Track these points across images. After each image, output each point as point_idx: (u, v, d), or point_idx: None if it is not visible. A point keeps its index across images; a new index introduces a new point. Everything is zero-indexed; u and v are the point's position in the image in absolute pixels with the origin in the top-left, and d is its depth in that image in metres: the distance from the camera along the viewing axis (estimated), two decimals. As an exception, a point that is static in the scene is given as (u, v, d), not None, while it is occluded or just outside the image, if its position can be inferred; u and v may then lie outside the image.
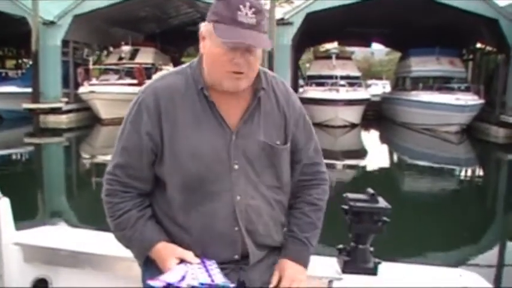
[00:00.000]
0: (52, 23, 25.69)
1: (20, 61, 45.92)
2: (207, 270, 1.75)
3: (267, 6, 25.52)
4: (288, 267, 1.92)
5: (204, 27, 1.81)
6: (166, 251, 1.82)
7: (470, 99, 23.45)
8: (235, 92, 1.81)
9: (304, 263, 1.97)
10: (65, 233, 2.89)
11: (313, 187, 2.03)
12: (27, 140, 22.12)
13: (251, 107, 1.86)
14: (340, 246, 2.36)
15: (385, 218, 2.23)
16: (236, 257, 1.85)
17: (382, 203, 2.25)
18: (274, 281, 1.90)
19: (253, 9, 1.71)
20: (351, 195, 2.28)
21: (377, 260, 2.29)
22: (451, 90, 25.58)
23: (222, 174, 1.80)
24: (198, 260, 1.79)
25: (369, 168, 17.18)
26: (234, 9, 1.70)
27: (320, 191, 2.04)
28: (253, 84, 1.86)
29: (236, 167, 1.82)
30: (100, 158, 17.07)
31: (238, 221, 1.81)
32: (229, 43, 1.71)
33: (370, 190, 2.27)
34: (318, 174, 2.05)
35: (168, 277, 1.70)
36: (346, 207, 2.27)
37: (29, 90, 25.27)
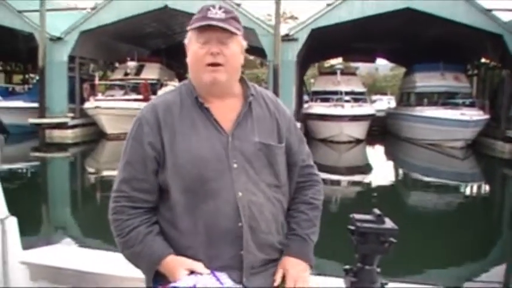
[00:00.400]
0: (59, 38, 25.93)
1: (26, 76, 46.21)
2: (218, 279, 1.77)
3: (272, 22, 25.69)
4: (291, 266, 1.96)
5: (186, 38, 1.99)
6: (175, 263, 1.84)
7: (475, 115, 23.39)
8: (218, 88, 1.95)
9: (307, 259, 2.02)
10: (71, 252, 2.90)
11: (307, 188, 2.12)
12: (33, 154, 22.25)
13: (243, 111, 1.97)
14: (347, 266, 2.35)
15: (391, 239, 2.21)
16: (242, 252, 1.86)
17: (388, 223, 2.24)
18: (277, 278, 1.94)
19: (222, 9, 1.93)
20: (357, 216, 2.27)
21: (384, 281, 2.28)
22: (456, 105, 25.52)
23: (222, 172, 1.87)
24: (208, 271, 1.80)
25: (374, 184, 17.09)
26: (205, 10, 1.93)
27: (315, 191, 2.13)
28: (243, 92, 2.03)
29: (235, 165, 1.89)
30: (105, 173, 17.10)
31: (241, 217, 1.85)
32: (200, 33, 1.91)
33: (377, 211, 2.26)
34: (311, 176, 2.16)
35: (178, 285, 1.73)
36: (352, 227, 2.26)
37: (36, 105, 25.46)
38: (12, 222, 2.50)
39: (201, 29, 1.91)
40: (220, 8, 1.93)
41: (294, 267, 1.96)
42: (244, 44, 2.04)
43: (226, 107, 1.97)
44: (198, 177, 1.86)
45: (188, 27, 1.96)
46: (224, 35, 1.91)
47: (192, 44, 1.95)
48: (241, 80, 2.07)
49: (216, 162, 1.87)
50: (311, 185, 2.13)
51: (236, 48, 1.95)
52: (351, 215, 2.29)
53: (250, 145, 1.93)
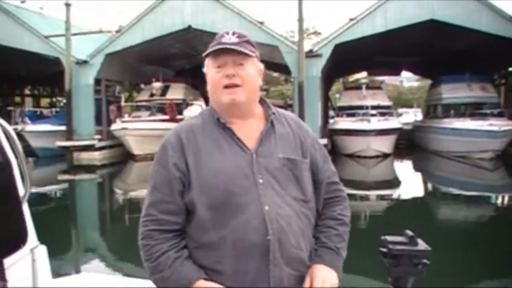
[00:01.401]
0: (85, 62, 26.39)
1: (54, 99, 47.03)
2: None
3: (295, 39, 25.76)
4: (320, 270, 1.97)
5: (204, 66, 2.06)
6: (205, 286, 1.85)
7: (504, 125, 23.04)
8: (238, 108, 1.99)
9: (336, 269, 2.02)
10: (99, 280, 2.89)
11: (335, 204, 2.15)
12: (61, 177, 22.50)
13: (265, 129, 2.02)
14: (381, 289, 2.30)
15: (425, 261, 2.16)
16: (269, 266, 1.86)
17: (421, 245, 2.19)
18: (306, 284, 1.93)
19: (236, 35, 2.00)
20: (389, 238, 2.22)
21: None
22: (483, 116, 25.19)
23: (249, 187, 1.89)
24: None
25: (404, 198, 16.90)
26: (220, 37, 2.01)
27: (342, 207, 2.16)
28: (264, 113, 2.09)
29: (261, 181, 1.91)
30: (133, 194, 17.20)
31: (269, 230, 1.86)
32: (215, 58, 1.98)
33: (409, 232, 2.21)
34: (338, 192, 2.18)
35: None
36: (384, 250, 2.22)
37: (63, 128, 25.86)
38: (42, 251, 2.51)
39: (216, 54, 1.98)
40: (234, 33, 2.01)
41: (323, 271, 1.97)
42: (261, 66, 2.09)
43: (249, 127, 2.02)
44: (224, 193, 1.88)
45: (204, 54, 2.03)
46: (239, 57, 1.97)
47: (209, 69, 2.02)
48: (262, 101, 2.11)
49: (242, 178, 1.90)
50: (338, 202, 2.16)
51: (252, 69, 2.01)
52: (383, 237, 2.25)
53: (275, 161, 1.96)
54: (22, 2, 30.73)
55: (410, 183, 20.21)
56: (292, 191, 1.96)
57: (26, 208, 2.46)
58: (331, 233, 2.07)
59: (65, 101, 29.54)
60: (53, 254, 2.60)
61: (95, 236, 12.14)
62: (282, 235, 1.88)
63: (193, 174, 1.91)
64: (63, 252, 9.43)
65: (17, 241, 2.36)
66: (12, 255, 2.25)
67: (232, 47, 1.95)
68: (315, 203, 2.08)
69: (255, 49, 2.04)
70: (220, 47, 1.96)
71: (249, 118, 2.04)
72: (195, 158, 1.93)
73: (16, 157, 2.40)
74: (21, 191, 2.42)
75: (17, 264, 2.28)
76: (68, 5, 25.72)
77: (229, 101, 1.96)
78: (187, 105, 28.45)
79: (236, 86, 1.95)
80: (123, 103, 27.79)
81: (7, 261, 2.15)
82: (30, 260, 2.42)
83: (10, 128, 2.35)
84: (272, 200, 1.89)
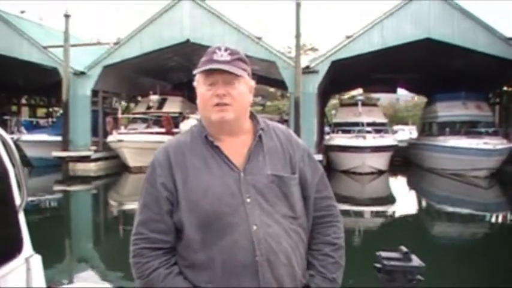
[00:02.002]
0: (82, 73, 26.39)
1: (50, 110, 46.96)
2: None
3: (292, 54, 25.89)
4: None
5: (195, 81, 2.06)
6: None
7: (499, 143, 23.17)
8: (227, 126, 1.99)
9: None
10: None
11: (328, 225, 2.08)
12: (56, 187, 22.44)
13: (253, 145, 2.00)
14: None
15: (419, 277, 2.18)
16: (261, 286, 1.85)
17: (415, 261, 2.21)
18: None
19: (228, 51, 1.98)
20: (383, 254, 2.24)
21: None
22: (478, 134, 25.29)
23: (236, 207, 1.88)
24: None
25: (398, 215, 16.93)
26: (211, 53, 1.99)
27: (336, 229, 2.09)
28: (253, 127, 2.07)
29: (248, 200, 1.90)
30: (128, 206, 17.14)
31: (256, 250, 1.85)
32: (206, 76, 1.97)
33: (403, 248, 2.23)
34: (330, 209, 2.11)
35: None
36: (379, 265, 2.23)
37: (59, 138, 25.81)
38: (37, 261, 2.50)
39: (207, 72, 1.97)
40: (226, 49, 1.98)
41: None
42: (252, 82, 2.07)
43: (237, 143, 2.01)
44: (212, 213, 1.88)
45: (195, 71, 2.03)
46: (230, 76, 1.96)
47: (200, 86, 2.02)
48: (251, 116, 2.10)
49: (229, 198, 1.89)
50: (331, 223, 2.09)
51: (243, 88, 2.00)
52: (377, 253, 2.26)
53: (263, 178, 1.95)
54: (22, 12, 30.85)
55: (405, 200, 20.24)
56: (281, 208, 1.95)
57: (22, 217, 2.46)
58: (328, 261, 2.03)
59: (61, 111, 29.55)
60: (46, 264, 2.60)
61: (88, 247, 12.10)
62: (271, 255, 1.87)
63: (181, 193, 1.92)
64: (56, 262, 9.41)
65: (12, 250, 2.36)
66: (8, 264, 2.25)
67: (224, 67, 1.94)
68: (306, 219, 2.05)
69: (247, 66, 2.03)
70: (211, 66, 1.95)
71: (238, 134, 2.03)
72: (182, 177, 1.93)
73: (13, 166, 2.41)
74: (17, 200, 2.42)
75: (12, 273, 2.28)
76: (67, 16, 25.79)
77: (218, 119, 1.96)
78: (184, 118, 28.41)
79: (226, 104, 1.96)
80: (119, 115, 27.76)
81: (2, 270, 2.16)
82: (25, 269, 2.42)
83: (8, 137, 2.36)
84: (260, 219, 1.89)
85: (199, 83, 2.02)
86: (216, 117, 1.96)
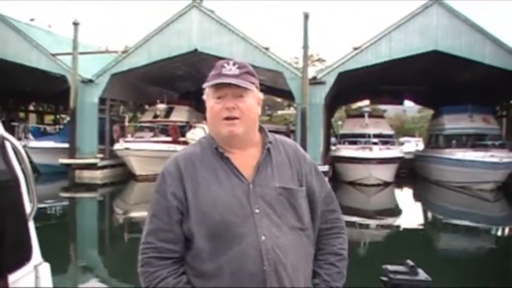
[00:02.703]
0: (90, 81, 26.48)
1: (58, 117, 47.11)
2: None
3: (300, 65, 25.93)
4: None
5: (204, 94, 2.10)
6: None
7: (505, 156, 23.03)
8: (236, 140, 2.02)
9: None
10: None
11: (334, 237, 2.14)
12: (62, 194, 22.49)
13: (262, 158, 2.04)
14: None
15: (425, 291, 2.18)
16: None
17: (422, 275, 2.22)
18: None
19: (236, 65, 2.03)
20: (390, 267, 2.25)
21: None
22: (485, 147, 25.19)
23: (245, 218, 1.91)
24: None
25: (404, 227, 16.85)
26: (220, 67, 2.04)
27: (341, 241, 2.15)
28: (262, 140, 2.11)
29: (257, 211, 1.92)
30: (134, 214, 17.18)
31: (264, 260, 1.86)
32: (215, 90, 2.01)
33: (410, 262, 2.24)
34: (336, 222, 2.16)
35: None
36: (385, 279, 2.24)
37: (66, 145, 25.90)
38: (45, 269, 2.52)
39: (217, 86, 2.01)
40: (234, 63, 2.03)
41: None
42: (260, 95, 2.11)
43: (246, 156, 2.04)
44: (221, 224, 1.90)
45: (204, 85, 2.06)
46: (239, 90, 2.00)
47: (209, 99, 2.05)
48: (260, 129, 2.13)
49: (239, 209, 1.92)
50: (337, 235, 2.14)
51: (251, 101, 2.03)
52: (384, 266, 2.27)
53: (271, 190, 1.97)
54: (31, 20, 31.04)
55: (411, 213, 20.17)
56: (289, 219, 1.97)
57: (31, 225, 2.48)
58: (333, 270, 2.06)
59: (68, 118, 29.65)
60: (52, 271, 2.61)
61: (94, 254, 12.12)
62: (279, 265, 1.89)
63: (191, 204, 1.94)
64: (62, 270, 9.42)
65: (21, 258, 2.37)
66: (17, 271, 2.27)
67: (233, 81, 1.97)
68: (312, 230, 2.07)
69: (255, 79, 2.07)
70: (220, 81, 1.99)
71: (247, 147, 2.06)
72: (192, 187, 1.96)
73: (24, 174, 2.43)
74: (27, 208, 2.44)
75: (21, 280, 2.29)
76: (76, 24, 25.95)
77: (227, 133, 2.00)
78: (191, 127, 28.49)
79: (235, 118, 1.98)
80: (126, 123, 27.84)
81: (12, 277, 2.17)
82: (33, 277, 2.43)
83: (19, 145, 2.38)
84: (268, 230, 1.91)
85: (209, 97, 2.05)
86: (225, 131, 2.00)
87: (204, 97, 2.08)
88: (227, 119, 1.99)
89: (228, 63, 2.02)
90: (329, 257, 2.08)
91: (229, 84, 1.98)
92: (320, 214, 2.10)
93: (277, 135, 2.17)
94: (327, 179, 2.22)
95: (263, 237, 1.89)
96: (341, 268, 2.08)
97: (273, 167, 2.03)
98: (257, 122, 2.09)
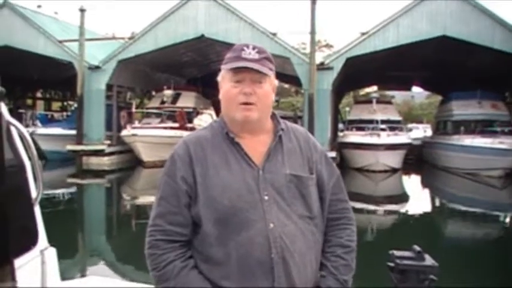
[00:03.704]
0: (97, 67, 26.53)
1: (65, 103, 47.24)
2: None
3: (307, 51, 25.83)
4: None
5: (219, 76, 2.06)
6: None
7: (514, 143, 22.92)
8: (250, 126, 2.01)
9: None
10: (106, 284, 2.90)
11: (342, 228, 2.09)
12: (70, 180, 22.63)
13: (273, 145, 2.01)
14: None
15: (432, 277, 2.17)
16: (275, 284, 1.85)
17: (428, 260, 2.20)
18: None
19: (256, 49, 2.00)
20: (396, 253, 2.23)
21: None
22: (493, 133, 25.06)
23: (254, 203, 1.89)
24: None
25: (411, 214, 16.85)
26: (239, 50, 2.00)
27: (349, 232, 2.09)
28: (274, 127, 2.08)
29: (266, 197, 1.90)
30: (141, 200, 17.24)
31: (272, 248, 1.85)
32: (234, 73, 1.97)
33: (417, 247, 2.22)
34: (344, 212, 2.12)
35: None
36: (391, 264, 2.22)
37: (74, 132, 26.00)
38: (52, 253, 2.53)
39: (235, 69, 1.97)
40: (254, 48, 2.00)
41: None
42: (276, 82, 2.09)
43: (257, 142, 2.02)
44: (230, 209, 1.88)
45: (222, 66, 2.02)
46: (257, 75, 1.96)
47: (226, 82, 2.01)
48: (272, 116, 2.11)
49: (248, 194, 1.90)
50: (345, 225, 2.10)
51: (268, 88, 2.01)
52: (391, 252, 2.25)
53: (281, 177, 1.95)
54: (38, 7, 31.06)
55: (419, 199, 20.14)
56: (298, 208, 1.96)
57: (37, 210, 2.49)
58: (340, 263, 2.02)
59: (76, 105, 29.74)
60: (59, 257, 2.62)
61: (101, 240, 12.19)
62: (287, 253, 1.87)
63: (200, 188, 1.92)
64: (69, 255, 9.48)
65: (27, 242, 2.38)
66: (23, 256, 2.28)
67: (254, 66, 1.94)
68: (321, 219, 2.05)
69: (273, 65, 2.04)
70: (241, 64, 1.95)
71: (258, 133, 2.04)
72: (202, 171, 1.94)
73: (30, 159, 2.43)
74: (33, 193, 2.44)
75: (27, 265, 2.30)
76: (82, 10, 25.93)
77: (242, 118, 1.97)
78: (198, 113, 28.56)
79: (251, 103, 1.96)
80: (133, 109, 27.89)
81: (18, 262, 2.17)
82: (40, 262, 2.44)
83: (25, 130, 2.38)
84: (277, 217, 1.89)
85: (225, 79, 2.02)
86: (241, 116, 1.97)
87: (219, 78, 2.05)
88: (243, 104, 1.96)
89: (248, 47, 2.00)
90: (336, 249, 2.04)
91: (248, 69, 1.95)
92: (328, 203, 2.08)
93: (288, 123, 2.15)
94: (334, 164, 2.18)
95: (271, 225, 1.87)
96: (348, 261, 2.04)
97: (283, 154, 2.01)
98: (271, 109, 2.07)
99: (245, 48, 1.99)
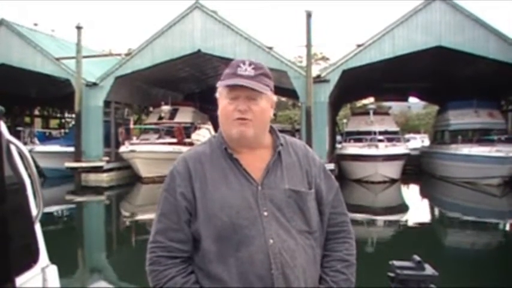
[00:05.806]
0: (94, 84, 26.59)
1: (63, 121, 47.24)
2: None
3: (303, 64, 25.92)
4: None
5: (217, 92, 2.06)
6: None
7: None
8: (246, 141, 2.00)
9: None
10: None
11: (341, 241, 2.08)
12: (69, 197, 22.55)
13: (272, 160, 2.01)
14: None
15: (432, 286, 2.18)
16: None
17: (429, 270, 2.21)
18: None
19: (252, 66, 1.99)
20: (396, 263, 2.24)
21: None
22: (491, 142, 25.07)
23: (254, 220, 1.89)
24: None
25: (411, 224, 16.83)
26: (235, 66, 2.00)
27: (348, 246, 2.08)
28: (273, 142, 2.08)
29: (265, 213, 1.90)
30: (140, 216, 17.20)
31: (272, 264, 1.85)
32: (230, 90, 1.97)
33: (417, 257, 2.23)
34: (343, 226, 2.11)
35: None
36: (392, 274, 2.23)
37: (72, 149, 25.98)
38: (53, 271, 2.53)
39: (231, 86, 1.97)
40: (250, 64, 2.00)
41: None
42: (274, 98, 2.08)
43: (256, 157, 2.02)
44: (229, 226, 1.88)
45: (218, 83, 2.03)
46: (253, 92, 1.96)
47: (222, 99, 2.01)
48: (271, 130, 2.11)
49: (247, 211, 1.90)
50: (344, 239, 2.09)
51: (265, 104, 2.00)
52: (391, 262, 2.26)
53: (280, 193, 1.95)
54: (35, 25, 31.18)
55: (418, 209, 20.13)
56: (297, 223, 1.95)
57: (38, 228, 2.49)
58: (340, 277, 2.01)
59: (74, 122, 29.76)
60: (60, 274, 2.62)
61: (101, 257, 12.13)
62: (287, 269, 1.87)
63: (200, 204, 1.92)
64: (70, 272, 9.44)
65: (29, 260, 2.38)
66: (24, 274, 2.28)
67: (247, 83, 1.94)
68: (320, 233, 2.05)
69: (270, 81, 2.04)
70: (235, 82, 1.95)
71: (257, 148, 2.04)
72: (201, 187, 1.94)
73: (30, 177, 2.44)
74: (34, 210, 2.45)
75: (29, 283, 2.30)
76: (79, 28, 26.04)
77: (238, 135, 1.97)
78: (196, 128, 28.58)
79: (247, 119, 1.96)
80: (131, 125, 27.90)
81: (19, 280, 2.18)
82: (41, 279, 2.44)
83: (25, 149, 2.39)
84: (276, 233, 1.89)
85: (222, 96, 2.02)
86: (237, 132, 1.97)
87: (217, 95, 2.06)
88: (239, 119, 1.96)
89: (244, 63, 1.99)
90: (335, 264, 2.03)
91: (243, 86, 1.95)
92: (328, 216, 2.08)
93: (287, 137, 2.16)
94: (333, 177, 2.19)
95: (271, 241, 1.87)
96: (348, 275, 2.03)
97: (282, 169, 2.00)
98: (268, 125, 2.07)
99: (241, 64, 1.99)
